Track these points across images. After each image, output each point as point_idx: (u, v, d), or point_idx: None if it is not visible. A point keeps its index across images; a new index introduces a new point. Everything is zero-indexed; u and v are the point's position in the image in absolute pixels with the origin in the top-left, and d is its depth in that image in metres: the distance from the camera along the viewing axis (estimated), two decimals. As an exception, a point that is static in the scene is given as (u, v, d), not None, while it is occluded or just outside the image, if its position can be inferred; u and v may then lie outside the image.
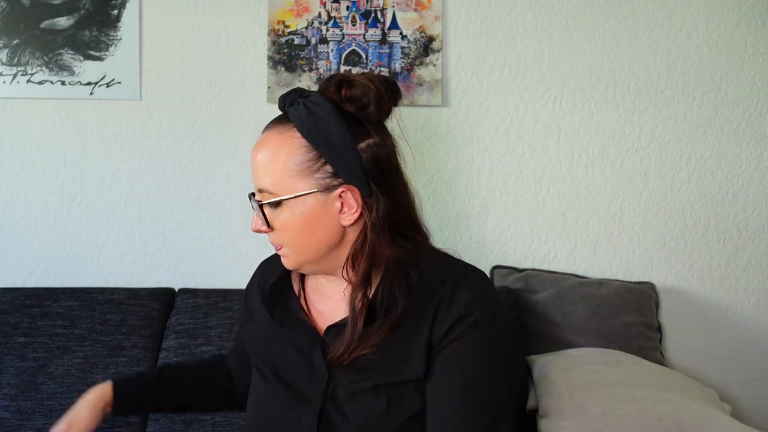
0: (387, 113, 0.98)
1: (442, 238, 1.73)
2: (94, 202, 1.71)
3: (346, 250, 0.97)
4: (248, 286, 1.15)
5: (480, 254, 1.73)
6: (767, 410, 1.76)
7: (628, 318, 1.59)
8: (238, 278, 1.66)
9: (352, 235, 0.96)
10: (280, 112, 0.99)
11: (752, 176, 1.75)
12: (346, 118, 0.94)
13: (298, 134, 0.94)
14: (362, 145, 0.94)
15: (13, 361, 1.48)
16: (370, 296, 0.95)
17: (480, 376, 0.93)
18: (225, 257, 1.72)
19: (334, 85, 0.96)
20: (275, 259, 1.10)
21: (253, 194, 0.99)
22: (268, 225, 0.96)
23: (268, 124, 0.99)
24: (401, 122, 1.01)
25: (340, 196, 0.94)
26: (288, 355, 1.01)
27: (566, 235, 1.75)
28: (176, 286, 1.70)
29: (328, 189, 0.93)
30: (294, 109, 0.94)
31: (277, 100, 0.98)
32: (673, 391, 1.34)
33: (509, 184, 1.74)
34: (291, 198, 0.93)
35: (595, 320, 1.57)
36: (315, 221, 0.94)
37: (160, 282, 1.72)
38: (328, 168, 0.93)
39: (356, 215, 0.94)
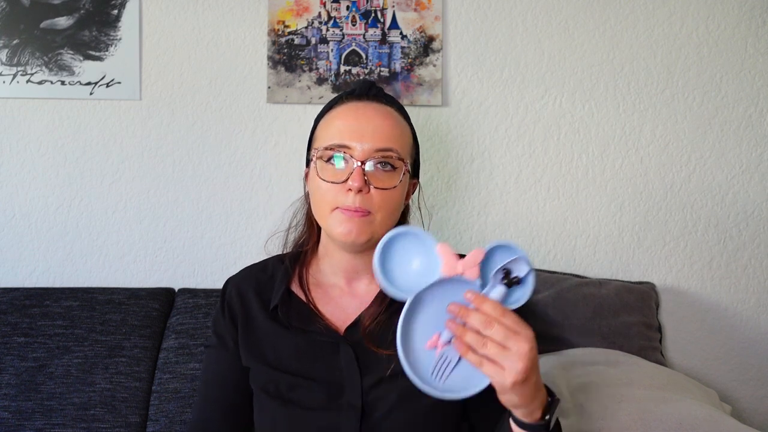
0: None
1: (441, 239, 1.73)
2: (94, 202, 1.71)
3: None
4: (228, 308, 1.11)
5: (480, 254, 1.73)
6: (767, 410, 1.76)
7: (628, 318, 1.59)
8: (238, 278, 1.66)
9: None
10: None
11: (752, 176, 1.75)
12: None
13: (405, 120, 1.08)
14: None
15: (12, 361, 1.48)
16: None
17: None
18: (225, 257, 1.72)
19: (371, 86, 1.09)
20: (254, 273, 1.11)
21: (330, 156, 1.02)
22: (397, 183, 1.01)
23: (368, 96, 1.06)
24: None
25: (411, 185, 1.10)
26: (309, 360, 1.01)
27: (566, 235, 1.75)
28: (176, 286, 1.70)
29: (409, 174, 1.06)
30: (390, 99, 1.08)
31: (360, 83, 1.08)
32: (673, 391, 1.34)
33: (509, 184, 1.74)
34: (408, 167, 1.04)
35: (595, 320, 1.57)
36: (403, 194, 1.05)
37: (160, 282, 1.72)
38: (411, 158, 1.07)
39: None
